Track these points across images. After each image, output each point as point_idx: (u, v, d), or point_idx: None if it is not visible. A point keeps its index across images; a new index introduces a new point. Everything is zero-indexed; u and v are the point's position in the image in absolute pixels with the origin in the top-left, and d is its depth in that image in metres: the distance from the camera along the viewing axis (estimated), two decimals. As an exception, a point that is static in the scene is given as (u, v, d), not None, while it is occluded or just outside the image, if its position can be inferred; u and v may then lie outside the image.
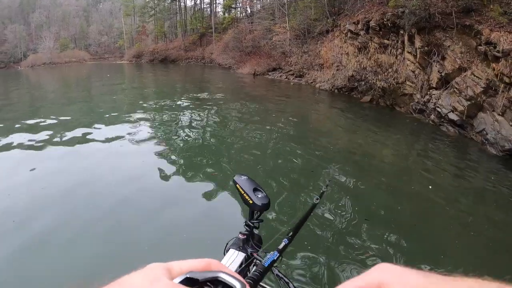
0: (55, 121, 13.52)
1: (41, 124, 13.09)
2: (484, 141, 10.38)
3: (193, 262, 0.49)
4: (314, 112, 16.31)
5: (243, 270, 1.61)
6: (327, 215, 5.88)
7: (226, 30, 47.11)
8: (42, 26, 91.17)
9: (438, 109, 12.26)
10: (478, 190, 7.66)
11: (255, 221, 1.70)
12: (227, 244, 1.71)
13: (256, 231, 1.73)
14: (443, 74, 12.38)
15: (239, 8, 53.20)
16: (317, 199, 1.68)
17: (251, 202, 1.63)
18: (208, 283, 0.48)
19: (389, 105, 15.36)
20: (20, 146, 10.25)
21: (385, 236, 5.31)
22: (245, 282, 0.47)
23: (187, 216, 6.11)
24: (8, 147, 10.25)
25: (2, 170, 8.43)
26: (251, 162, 8.86)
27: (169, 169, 8.18)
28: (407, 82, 14.24)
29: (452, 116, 11.63)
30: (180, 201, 6.67)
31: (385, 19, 15.66)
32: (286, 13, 30.33)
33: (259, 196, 1.64)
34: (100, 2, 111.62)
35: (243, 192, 1.67)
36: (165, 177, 7.77)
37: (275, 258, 1.39)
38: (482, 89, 10.67)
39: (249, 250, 1.66)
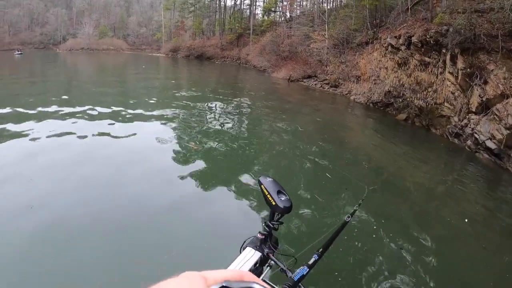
0: (84, 108, 13.90)
1: (71, 111, 13.43)
2: (524, 174, 9.97)
3: (227, 272, 0.49)
4: (348, 125, 16.09)
5: (257, 269, 1.67)
6: (354, 234, 5.76)
7: (264, 33, 47.11)
8: (83, 12, 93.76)
9: (476, 135, 11.84)
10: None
11: (275, 223, 1.74)
12: (245, 242, 1.76)
13: (274, 233, 1.77)
14: (484, 99, 11.96)
15: (278, 12, 53.07)
16: (349, 217, 1.75)
17: (273, 203, 1.67)
18: None
19: (425, 126, 14.95)
20: (46, 132, 10.43)
21: (412, 266, 5.11)
22: None
23: (213, 215, 6.19)
24: (37, 132, 10.47)
25: (24, 155, 8.57)
26: (282, 171, 8.77)
27: (196, 169, 8.19)
28: (446, 104, 13.84)
29: (490, 144, 11.19)
30: (207, 200, 6.71)
31: (428, 36, 15.29)
32: (326, 21, 30.09)
33: (282, 199, 1.67)
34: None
35: (267, 193, 1.70)
36: (193, 176, 7.77)
37: (304, 273, 1.44)
38: (525, 118, 10.27)
39: (266, 250, 1.70)
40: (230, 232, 5.53)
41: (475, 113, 12.34)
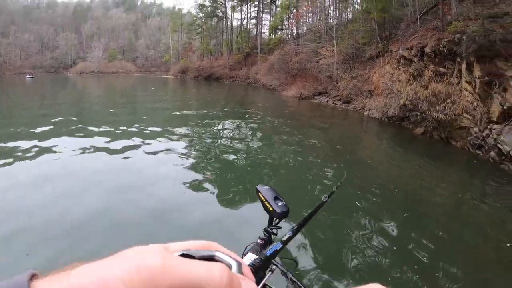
0: (95, 128, 14.04)
1: (82, 131, 13.60)
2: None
3: (192, 242, 0.50)
4: (362, 141, 15.55)
5: (259, 273, 1.59)
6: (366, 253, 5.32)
7: (272, 51, 47.24)
8: (92, 36, 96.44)
9: (499, 145, 11.29)
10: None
11: (274, 228, 1.81)
12: (246, 248, 1.78)
13: (273, 238, 1.81)
14: (505, 107, 11.49)
15: (285, 30, 53.18)
16: (326, 197, 1.72)
17: (271, 209, 1.74)
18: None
19: (444, 139, 14.39)
20: (57, 151, 10.53)
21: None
22: (242, 261, 0.48)
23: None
24: (52, 150, 10.59)
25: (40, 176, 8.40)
26: (290, 192, 8.28)
27: (206, 190, 7.86)
28: (464, 114, 13.32)
29: (516, 154, 10.67)
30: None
31: (441, 45, 14.94)
32: (333, 36, 29.86)
33: (279, 204, 1.74)
34: (149, 17, 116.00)
35: (264, 200, 1.77)
36: (202, 196, 7.44)
37: (277, 249, 1.43)
38: (549, 126, 9.74)
39: None
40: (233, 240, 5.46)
41: (497, 123, 11.84)
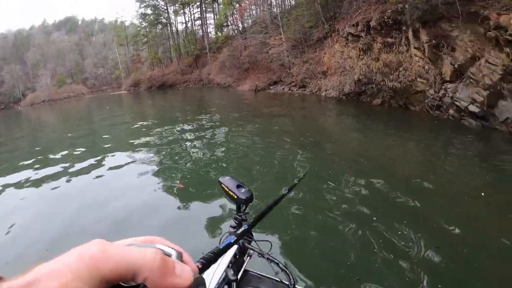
0: (57, 156, 13.20)
1: (44, 159, 12.85)
2: (513, 130, 9.78)
3: (138, 238, 0.50)
4: (325, 121, 15.58)
5: (237, 260, 1.85)
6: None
7: (221, 49, 47.07)
8: (38, 64, 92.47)
9: (457, 102, 11.67)
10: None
11: (242, 214, 1.88)
12: (221, 239, 1.90)
13: (244, 224, 1.69)
14: (456, 65, 11.85)
15: (231, 26, 53.06)
16: (286, 190, 1.68)
17: (235, 197, 1.82)
18: None
19: (402, 105, 14.74)
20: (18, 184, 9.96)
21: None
22: (182, 251, 0.49)
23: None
24: (14, 184, 9.99)
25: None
26: (257, 183, 8.21)
27: (176, 195, 7.58)
28: (418, 79, 13.69)
29: (473, 108, 11.02)
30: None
31: (385, 17, 15.28)
32: (279, 24, 30.02)
33: (242, 191, 1.83)
34: (92, 35, 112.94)
35: (228, 190, 1.86)
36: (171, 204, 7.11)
37: (231, 241, 1.27)
38: (500, 76, 10.14)
39: (241, 241, 1.82)
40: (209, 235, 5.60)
41: (451, 82, 12.20)
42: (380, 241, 4.89)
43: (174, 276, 0.42)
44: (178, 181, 8.58)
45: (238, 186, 1.86)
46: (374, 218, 5.55)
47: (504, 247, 4.56)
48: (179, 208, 6.94)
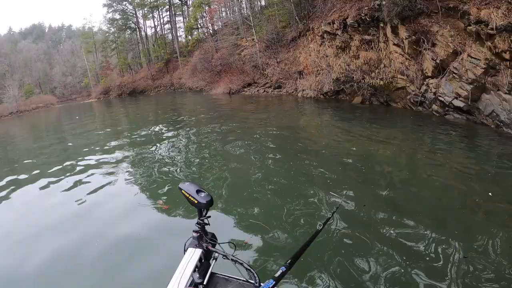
0: (25, 176, 11.80)
1: (14, 176, 11.70)
2: (499, 123, 9.69)
3: None
4: (305, 123, 15.04)
5: (203, 264, 1.86)
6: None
7: (192, 53, 46.41)
8: (4, 75, 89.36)
9: (441, 98, 11.58)
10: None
11: (204, 218, 1.91)
12: (185, 244, 1.93)
13: (208, 228, 1.94)
14: (437, 61, 11.77)
15: (201, 29, 52.45)
16: (320, 225, 1.78)
17: (196, 202, 1.86)
18: None
19: (384, 103, 14.60)
20: None
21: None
22: None
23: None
24: None
25: None
26: (238, 187, 7.73)
27: (150, 203, 7.34)
28: (399, 76, 13.58)
29: (457, 103, 10.98)
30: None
31: (362, 14, 15.14)
32: (251, 25, 29.70)
33: (202, 195, 1.87)
34: (60, 43, 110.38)
35: (188, 196, 1.88)
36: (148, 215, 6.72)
37: (270, 286, 1.47)
38: (483, 69, 10.08)
39: (205, 245, 1.88)
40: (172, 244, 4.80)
41: (432, 77, 12.15)
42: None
43: None
44: (160, 201, 7.95)
45: (198, 191, 1.87)
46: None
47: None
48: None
